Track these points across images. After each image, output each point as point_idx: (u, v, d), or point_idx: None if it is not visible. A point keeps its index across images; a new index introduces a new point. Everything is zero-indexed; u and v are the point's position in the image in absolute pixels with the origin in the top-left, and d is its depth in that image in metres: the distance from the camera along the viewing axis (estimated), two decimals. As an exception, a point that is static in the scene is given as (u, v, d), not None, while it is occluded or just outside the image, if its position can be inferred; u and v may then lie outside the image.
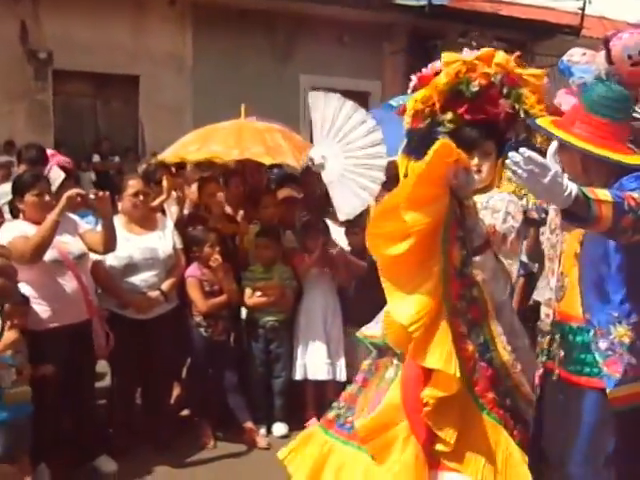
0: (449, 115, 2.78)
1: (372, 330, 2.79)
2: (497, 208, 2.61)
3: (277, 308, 4.32)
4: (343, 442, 2.63)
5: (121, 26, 9.75)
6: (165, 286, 3.88)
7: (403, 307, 2.29)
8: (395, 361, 2.59)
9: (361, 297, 4.36)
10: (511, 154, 1.99)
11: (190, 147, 4.50)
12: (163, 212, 4.40)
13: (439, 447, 2.34)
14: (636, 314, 2.27)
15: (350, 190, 3.57)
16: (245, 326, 4.42)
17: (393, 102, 5.82)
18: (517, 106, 2.78)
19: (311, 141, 5.85)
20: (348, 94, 4.21)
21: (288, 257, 4.46)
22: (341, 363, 4.39)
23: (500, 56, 2.82)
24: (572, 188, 1.97)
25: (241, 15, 10.01)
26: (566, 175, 2.04)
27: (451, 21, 10.63)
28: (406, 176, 2.86)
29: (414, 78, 2.92)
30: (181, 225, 4.26)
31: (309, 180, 4.94)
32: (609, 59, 2.45)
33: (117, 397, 4.00)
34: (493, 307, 2.49)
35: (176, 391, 4.42)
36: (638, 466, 2.36)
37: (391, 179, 3.89)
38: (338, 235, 4.56)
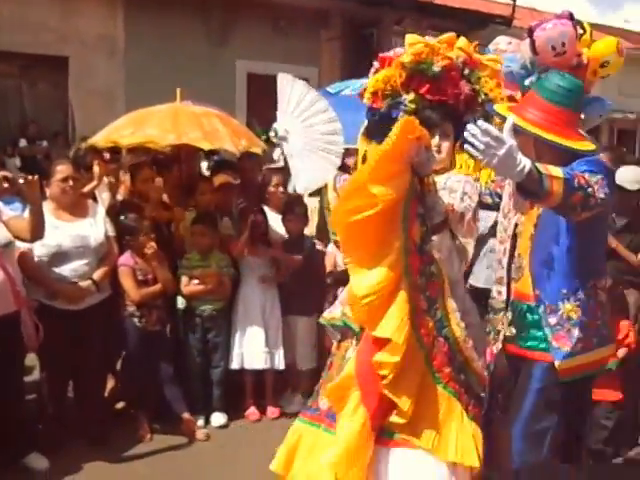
0: (411, 96, 2.83)
1: (333, 312, 2.84)
2: (454, 188, 2.70)
3: (215, 296, 4.26)
4: (309, 424, 2.68)
5: (49, 4, 9.32)
6: (97, 275, 3.76)
7: (363, 280, 2.34)
8: (354, 342, 2.64)
9: (299, 287, 4.36)
10: (469, 126, 2.06)
11: (123, 131, 4.35)
12: (94, 199, 4.25)
13: (394, 418, 2.38)
14: (582, 291, 2.40)
15: (310, 165, 3.65)
16: (182, 315, 4.33)
17: (330, 89, 5.82)
18: (477, 88, 2.85)
19: (247, 126, 5.82)
20: (285, 80, 4.16)
21: (225, 244, 4.40)
22: (279, 352, 4.37)
23: (462, 41, 2.91)
24: (526, 163, 2.07)
25: (175, -3, 9.75)
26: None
27: (387, 9, 10.67)
28: (364, 158, 2.92)
29: (376, 63, 2.96)
30: (113, 212, 4.12)
31: (246, 166, 4.88)
32: (534, 49, 2.53)
33: (47, 391, 3.86)
34: (449, 284, 2.56)
35: (110, 383, 4.31)
36: (571, 437, 2.46)
37: (344, 166, 3.98)
38: (275, 222, 4.53)
